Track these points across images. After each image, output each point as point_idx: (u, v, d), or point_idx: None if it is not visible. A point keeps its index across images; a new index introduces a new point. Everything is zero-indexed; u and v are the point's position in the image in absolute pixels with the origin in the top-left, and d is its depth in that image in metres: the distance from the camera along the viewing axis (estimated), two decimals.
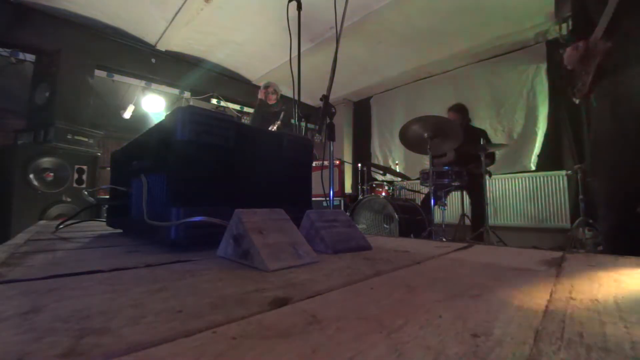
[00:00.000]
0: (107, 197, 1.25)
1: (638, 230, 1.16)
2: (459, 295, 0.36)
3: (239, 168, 0.80)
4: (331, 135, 1.48)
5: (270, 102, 3.36)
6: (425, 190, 3.41)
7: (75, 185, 2.76)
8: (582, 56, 1.27)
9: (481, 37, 3.96)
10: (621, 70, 1.18)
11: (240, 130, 0.80)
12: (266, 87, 3.41)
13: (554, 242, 3.41)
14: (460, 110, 3.21)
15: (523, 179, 3.96)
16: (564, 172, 3.61)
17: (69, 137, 2.77)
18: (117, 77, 3.99)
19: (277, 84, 3.53)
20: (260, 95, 3.43)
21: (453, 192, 3.49)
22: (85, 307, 0.30)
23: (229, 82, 5.01)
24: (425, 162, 3.41)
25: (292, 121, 2.30)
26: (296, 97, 1.95)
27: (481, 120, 4.15)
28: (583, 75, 1.31)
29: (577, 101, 1.41)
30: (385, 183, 3.34)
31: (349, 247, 0.69)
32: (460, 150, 2.95)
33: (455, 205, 4.13)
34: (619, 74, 1.19)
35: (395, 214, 2.65)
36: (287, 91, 2.33)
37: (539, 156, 3.93)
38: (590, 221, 2.83)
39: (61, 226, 1.07)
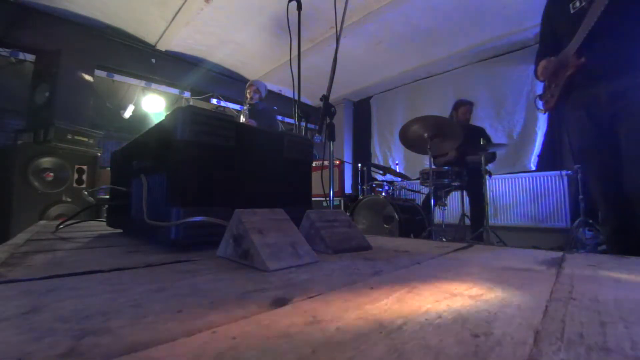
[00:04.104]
0: (107, 197, 1.25)
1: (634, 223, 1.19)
2: (459, 295, 0.36)
3: (239, 168, 0.80)
4: (331, 135, 1.48)
5: (253, 101, 3.36)
6: (425, 190, 3.41)
7: (75, 185, 2.76)
8: (555, 69, 1.35)
9: (481, 37, 3.96)
10: (594, 83, 1.27)
11: (240, 130, 0.80)
12: (249, 85, 3.41)
13: (554, 242, 3.41)
14: (468, 103, 3.22)
15: (523, 179, 3.96)
16: (564, 172, 3.62)
17: (69, 137, 2.76)
18: (117, 77, 3.99)
19: (261, 80, 3.52)
20: (246, 94, 3.43)
21: (453, 192, 3.49)
22: (85, 307, 0.30)
23: (229, 82, 5.01)
24: (425, 162, 3.41)
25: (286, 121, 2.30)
26: (296, 97, 1.95)
27: (481, 120, 4.15)
28: (552, 87, 1.38)
29: (542, 111, 1.50)
30: (385, 183, 3.34)
31: (349, 247, 0.69)
32: (460, 150, 2.95)
33: (455, 205, 4.13)
34: (593, 86, 1.28)
35: (395, 214, 2.65)
36: (287, 91, 2.33)
37: (539, 156, 3.93)
38: (590, 221, 2.82)
39: (61, 226, 1.07)
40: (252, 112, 3.34)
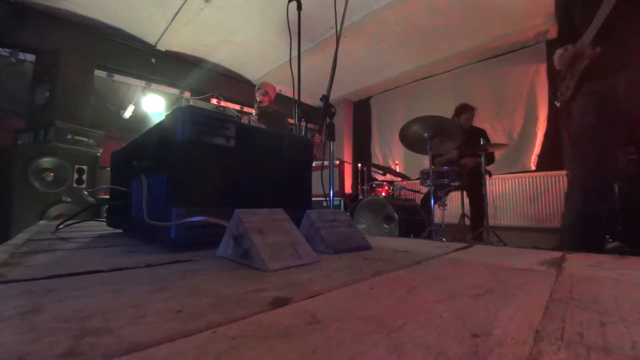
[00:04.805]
0: (107, 197, 1.25)
1: (603, 220, 1.18)
2: (459, 295, 0.36)
3: (239, 168, 0.80)
4: (331, 135, 1.48)
5: (263, 104, 3.38)
6: (425, 190, 3.41)
7: (75, 185, 2.75)
8: (572, 58, 1.31)
9: (481, 37, 3.96)
10: (612, 74, 1.22)
11: (241, 130, 0.80)
12: (258, 88, 3.43)
13: (554, 242, 3.41)
14: (471, 109, 3.21)
15: (523, 179, 3.96)
16: (564, 172, 3.62)
17: (69, 137, 2.76)
18: (117, 77, 3.99)
19: (272, 83, 3.54)
20: (255, 96, 3.46)
21: (453, 192, 3.49)
22: (85, 307, 0.30)
23: (229, 82, 5.01)
24: (425, 162, 3.41)
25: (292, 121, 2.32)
26: (296, 97, 1.95)
27: (481, 120, 4.14)
28: (568, 78, 1.35)
29: (557, 104, 1.45)
30: (385, 183, 3.34)
31: (349, 247, 0.69)
32: (460, 151, 2.95)
33: (455, 205, 4.13)
34: (610, 77, 1.23)
35: (395, 214, 2.65)
36: (287, 91, 2.33)
37: (539, 156, 3.93)
38: None
39: (61, 226, 1.07)
40: (262, 115, 3.36)
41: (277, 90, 3.63)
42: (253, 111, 3.47)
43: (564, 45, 1.36)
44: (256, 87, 3.46)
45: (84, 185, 2.80)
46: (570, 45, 1.31)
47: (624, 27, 1.17)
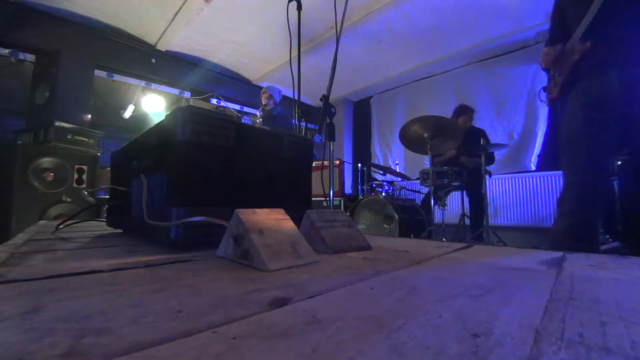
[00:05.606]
0: (107, 197, 1.25)
1: (597, 226, 1.19)
2: (459, 295, 0.36)
3: (239, 168, 0.80)
4: (331, 135, 1.48)
5: (268, 108, 3.41)
6: (426, 190, 3.42)
7: (75, 185, 2.76)
8: (558, 56, 1.30)
9: (481, 37, 3.96)
10: (603, 72, 1.21)
11: (240, 130, 0.80)
12: (263, 92, 3.48)
13: None
14: (470, 111, 3.21)
15: (523, 179, 3.96)
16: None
17: (69, 137, 2.76)
18: (117, 77, 3.99)
19: (276, 86, 3.58)
20: (261, 100, 3.52)
21: (453, 192, 3.49)
22: (85, 307, 0.30)
23: (229, 82, 5.01)
24: (425, 162, 3.42)
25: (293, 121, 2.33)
26: (296, 97, 1.95)
27: (481, 120, 4.15)
28: (557, 76, 1.33)
29: (546, 103, 1.44)
30: (385, 183, 3.34)
31: (349, 247, 0.69)
32: (460, 151, 2.95)
33: (455, 205, 4.13)
34: (601, 76, 1.21)
35: (395, 214, 2.65)
36: (288, 91, 2.34)
37: (539, 156, 3.93)
38: None
39: (61, 226, 1.07)
40: (267, 118, 3.39)
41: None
42: (258, 114, 3.51)
43: (552, 44, 1.34)
44: (261, 91, 3.49)
45: (84, 185, 2.80)
46: (559, 45, 1.30)
47: (615, 23, 1.16)
